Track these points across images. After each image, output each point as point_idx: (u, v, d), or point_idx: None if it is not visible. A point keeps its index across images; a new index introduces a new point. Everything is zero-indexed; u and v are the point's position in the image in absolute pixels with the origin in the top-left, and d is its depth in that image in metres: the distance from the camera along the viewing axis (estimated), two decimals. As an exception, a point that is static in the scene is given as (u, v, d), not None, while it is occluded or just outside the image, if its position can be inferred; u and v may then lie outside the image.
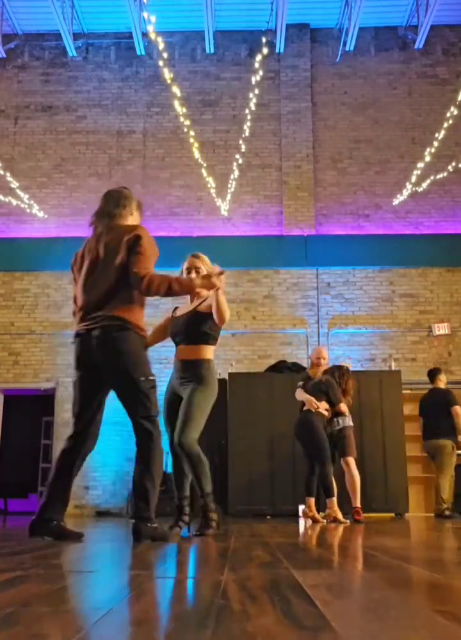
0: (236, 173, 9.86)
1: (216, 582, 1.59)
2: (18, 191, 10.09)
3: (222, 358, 9.33)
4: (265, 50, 8.13)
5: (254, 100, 8.99)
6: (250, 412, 8.34)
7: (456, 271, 10.28)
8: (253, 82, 8.64)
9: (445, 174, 9.95)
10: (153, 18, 6.98)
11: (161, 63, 7.86)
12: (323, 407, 6.19)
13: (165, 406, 4.11)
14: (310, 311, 10.20)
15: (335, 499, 6.02)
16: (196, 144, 8.96)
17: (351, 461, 6.33)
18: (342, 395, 6.38)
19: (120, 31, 11.23)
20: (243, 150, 9.68)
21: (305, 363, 9.60)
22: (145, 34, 9.80)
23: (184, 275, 4.11)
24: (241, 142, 9.54)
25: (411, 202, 10.44)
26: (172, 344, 4.21)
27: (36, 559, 2.38)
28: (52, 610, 1.29)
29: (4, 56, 11.15)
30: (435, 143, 9.40)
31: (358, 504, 6.26)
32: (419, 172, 9.74)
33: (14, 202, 10.21)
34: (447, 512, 7.42)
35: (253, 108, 9.15)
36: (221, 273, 3.53)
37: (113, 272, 3.27)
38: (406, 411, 9.06)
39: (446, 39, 11.27)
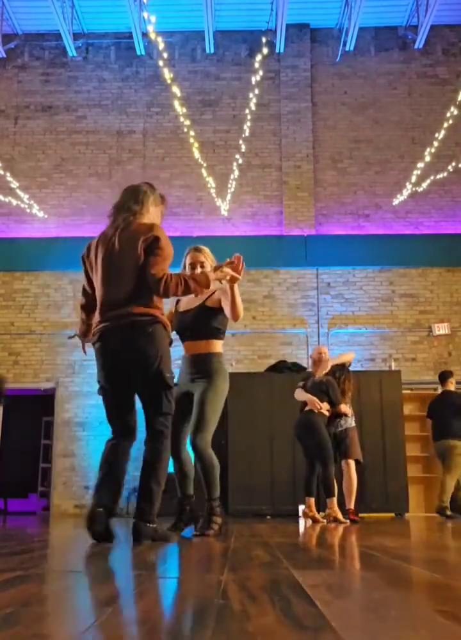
0: (236, 173, 9.87)
1: (216, 582, 1.59)
2: (18, 191, 10.09)
3: (222, 358, 9.32)
4: (265, 50, 8.13)
5: (254, 100, 8.99)
6: (250, 412, 8.34)
7: (456, 271, 10.28)
8: (253, 82, 8.65)
9: (445, 174, 9.95)
10: (153, 18, 6.98)
11: (161, 63, 7.86)
12: (324, 407, 6.18)
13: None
14: (310, 311, 10.20)
15: (335, 499, 6.02)
16: (196, 144, 8.96)
17: (352, 463, 6.32)
18: (341, 395, 6.37)
19: (120, 31, 11.23)
20: (243, 150, 9.68)
21: (305, 363, 9.60)
22: (145, 34, 9.80)
23: (188, 271, 3.97)
24: (241, 142, 9.54)
25: (411, 202, 10.44)
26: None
27: (36, 559, 2.38)
28: (52, 610, 1.29)
29: (4, 56, 11.16)
30: (435, 143, 9.40)
31: (352, 506, 6.27)
32: (419, 172, 9.75)
33: (14, 202, 10.21)
34: (448, 513, 7.44)
35: (253, 108, 9.15)
36: (230, 263, 3.43)
37: (132, 269, 3.18)
38: (406, 411, 9.07)
39: (446, 39, 11.27)
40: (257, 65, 8.48)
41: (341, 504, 6.24)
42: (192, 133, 8.86)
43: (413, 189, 10.04)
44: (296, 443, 6.59)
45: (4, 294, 10.38)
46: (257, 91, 8.88)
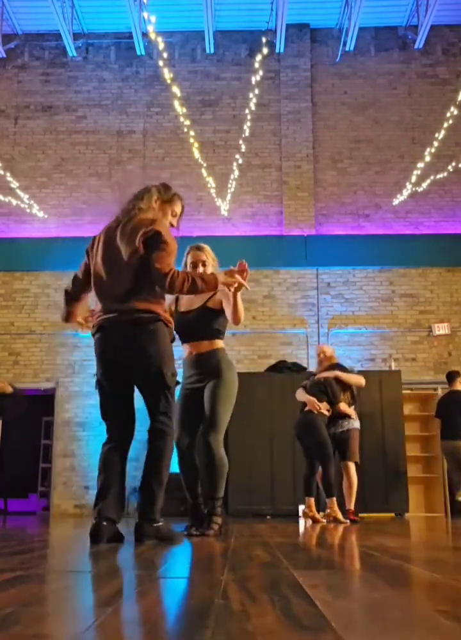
0: (236, 173, 9.87)
1: (216, 582, 1.59)
2: (18, 191, 10.10)
3: (222, 358, 9.33)
4: (265, 50, 8.14)
5: (254, 100, 8.99)
6: (250, 412, 8.34)
7: (456, 271, 10.28)
8: (253, 82, 8.65)
9: (445, 174, 9.95)
10: (153, 18, 6.98)
11: (161, 63, 7.86)
12: (324, 408, 6.18)
13: (180, 407, 3.93)
14: (310, 311, 10.20)
15: (335, 499, 6.02)
16: (196, 144, 8.96)
17: (351, 466, 6.30)
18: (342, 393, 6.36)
19: (120, 31, 11.23)
20: (243, 150, 9.69)
21: (305, 363, 9.61)
22: (145, 34, 9.80)
23: (189, 270, 3.93)
24: (241, 142, 9.55)
25: (411, 202, 10.44)
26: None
27: (36, 559, 2.38)
28: (52, 610, 1.29)
29: (4, 56, 11.16)
30: (435, 143, 9.40)
31: (352, 507, 6.27)
32: (419, 172, 9.75)
33: (14, 202, 10.21)
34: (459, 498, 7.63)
35: (253, 108, 9.16)
36: (241, 271, 3.36)
37: (132, 263, 3.14)
38: (406, 411, 9.07)
39: (446, 39, 11.27)
40: (257, 65, 8.48)
41: (341, 504, 6.24)
42: (192, 133, 8.86)
43: (413, 189, 10.04)
44: (296, 443, 6.59)
45: (4, 294, 10.38)
46: (257, 91, 8.88)
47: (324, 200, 10.68)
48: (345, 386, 6.42)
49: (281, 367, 9.08)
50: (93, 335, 3.27)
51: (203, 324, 3.93)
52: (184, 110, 8.60)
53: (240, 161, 9.77)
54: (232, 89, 11.12)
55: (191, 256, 4.02)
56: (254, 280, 10.27)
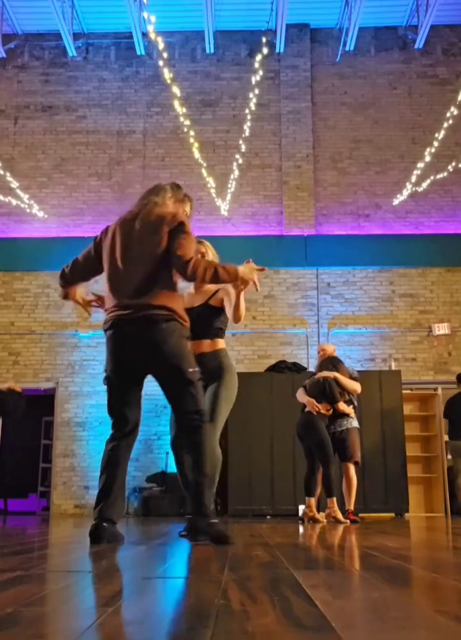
0: (236, 173, 9.87)
1: (216, 582, 1.59)
2: (18, 191, 10.10)
3: (222, 358, 9.33)
4: (265, 50, 8.14)
5: (254, 100, 8.99)
6: (250, 412, 8.34)
7: (456, 271, 10.28)
8: (253, 82, 8.65)
9: (445, 174, 9.96)
10: (153, 18, 6.98)
11: (161, 63, 7.86)
12: (323, 408, 6.18)
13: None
14: (310, 311, 10.20)
15: (335, 499, 6.02)
16: (196, 144, 8.96)
17: (350, 466, 6.30)
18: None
19: (120, 31, 11.23)
20: (243, 150, 9.68)
21: (305, 363, 9.61)
22: (145, 34, 9.80)
23: None
24: (241, 142, 9.54)
25: (411, 202, 10.44)
26: None
27: (36, 559, 2.38)
28: (52, 610, 1.29)
29: (4, 56, 11.16)
30: (435, 143, 9.41)
31: (352, 507, 6.27)
32: (419, 172, 9.75)
33: (14, 202, 10.21)
34: None
35: (253, 108, 9.16)
36: (261, 269, 3.35)
37: (152, 256, 3.08)
38: (406, 411, 9.08)
39: (446, 39, 11.27)
40: (257, 65, 8.48)
41: (340, 505, 6.24)
42: (192, 133, 8.86)
43: (413, 189, 10.04)
44: (296, 443, 6.59)
45: (4, 294, 10.38)
46: (257, 91, 8.88)
47: (324, 200, 10.68)
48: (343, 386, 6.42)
49: (281, 367, 9.09)
50: (105, 330, 3.19)
51: (205, 322, 3.93)
52: (184, 110, 8.60)
53: (240, 161, 9.77)
54: (232, 89, 11.12)
55: None
56: (254, 280, 10.27)
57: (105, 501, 3.03)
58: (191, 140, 8.86)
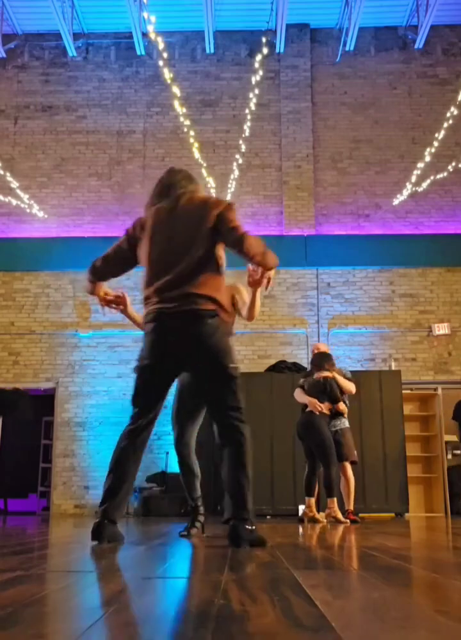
0: (236, 173, 9.87)
1: (216, 582, 1.59)
2: (18, 191, 10.10)
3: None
4: (265, 50, 8.14)
5: (254, 100, 9.00)
6: (250, 412, 8.31)
7: (456, 271, 10.28)
8: (253, 82, 8.65)
9: (445, 174, 9.96)
10: (153, 18, 6.98)
11: (161, 63, 7.87)
12: (325, 408, 6.18)
13: (176, 402, 3.93)
14: (310, 311, 10.20)
15: (335, 499, 6.02)
16: (196, 144, 8.96)
17: (348, 465, 6.32)
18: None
19: (120, 31, 11.23)
20: (243, 150, 9.69)
21: (305, 363, 9.60)
22: (145, 34, 9.81)
23: None
24: (241, 142, 9.55)
25: (411, 202, 10.44)
26: None
27: (36, 559, 2.38)
28: (52, 610, 1.29)
29: (4, 56, 11.16)
30: (435, 143, 9.41)
31: (351, 507, 6.28)
32: (419, 172, 9.75)
33: (14, 202, 10.21)
34: None
35: (253, 108, 9.16)
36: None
37: (199, 241, 3.00)
38: (406, 411, 9.07)
39: (446, 39, 11.27)
40: (257, 65, 8.48)
41: (339, 505, 6.24)
42: (192, 133, 8.86)
43: (413, 189, 10.04)
44: (296, 443, 6.59)
45: (4, 294, 10.38)
46: (257, 91, 8.89)
47: (324, 200, 10.68)
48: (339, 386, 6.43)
49: (281, 367, 9.09)
50: (146, 323, 3.09)
51: None
52: (184, 110, 8.61)
53: (240, 161, 9.77)
54: (232, 89, 11.12)
55: None
56: (254, 280, 10.27)
57: (111, 501, 2.99)
58: (191, 140, 8.86)
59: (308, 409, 6.21)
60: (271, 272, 3.24)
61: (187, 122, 8.78)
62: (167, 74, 7.81)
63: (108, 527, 2.96)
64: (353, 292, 10.26)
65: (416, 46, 11.04)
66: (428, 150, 9.48)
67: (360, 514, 7.25)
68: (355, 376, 7.07)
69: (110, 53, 11.38)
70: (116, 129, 11.05)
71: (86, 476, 9.65)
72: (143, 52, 11.16)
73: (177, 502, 8.29)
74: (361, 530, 4.67)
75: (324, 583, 1.61)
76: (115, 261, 3.29)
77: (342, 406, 6.33)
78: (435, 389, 9.63)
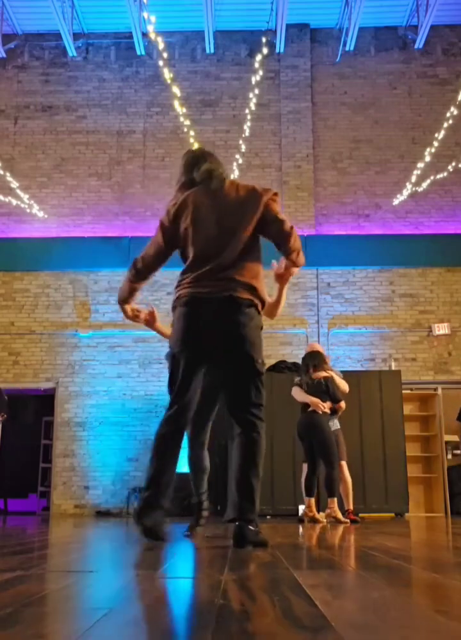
0: (236, 173, 9.87)
1: (216, 582, 1.59)
2: (18, 191, 10.10)
3: (222, 358, 9.34)
4: (265, 50, 8.15)
5: (254, 100, 9.00)
6: (250, 412, 8.33)
7: (456, 271, 10.28)
8: (253, 82, 8.65)
9: (445, 174, 9.96)
10: (153, 18, 6.99)
11: (161, 63, 7.87)
12: (327, 407, 6.19)
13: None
14: (310, 311, 10.20)
15: (336, 499, 6.02)
16: (196, 144, 8.96)
17: (344, 465, 6.35)
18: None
19: (120, 31, 11.23)
20: (243, 150, 9.69)
21: (305, 363, 9.60)
22: (145, 34, 9.80)
23: None
24: (241, 142, 9.55)
25: (411, 202, 10.44)
26: (162, 340, 4.09)
27: (36, 559, 2.38)
28: (52, 610, 1.29)
29: (4, 56, 11.16)
30: (435, 143, 9.41)
31: (351, 507, 6.28)
32: (419, 172, 9.75)
33: (14, 202, 10.21)
34: None
35: (253, 108, 9.16)
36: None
37: (245, 227, 2.97)
38: (406, 411, 9.08)
39: (446, 39, 11.27)
40: (257, 65, 8.48)
41: (340, 505, 6.24)
42: (192, 133, 8.87)
43: (413, 189, 10.04)
44: (296, 443, 6.58)
45: (4, 294, 10.38)
46: (257, 91, 8.89)
47: (324, 200, 10.68)
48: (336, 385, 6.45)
49: (281, 367, 9.09)
50: (178, 306, 2.97)
51: None
52: (184, 110, 8.61)
53: (240, 161, 9.77)
54: (232, 89, 11.12)
55: None
56: (254, 280, 10.27)
57: (153, 489, 2.87)
58: (191, 140, 8.86)
59: (310, 409, 6.19)
60: (296, 270, 3.26)
61: (187, 122, 8.78)
62: (167, 74, 7.82)
63: (150, 512, 2.82)
64: (353, 292, 10.26)
65: (416, 46, 11.04)
66: (428, 150, 9.48)
67: (360, 514, 7.26)
68: (355, 376, 7.09)
69: (110, 53, 11.38)
70: (116, 129, 11.05)
71: (86, 476, 9.65)
72: (143, 52, 11.16)
73: (177, 501, 8.29)
74: (361, 530, 4.67)
75: (324, 583, 1.61)
76: (155, 256, 3.14)
77: (343, 405, 6.35)
78: (435, 389, 9.63)
